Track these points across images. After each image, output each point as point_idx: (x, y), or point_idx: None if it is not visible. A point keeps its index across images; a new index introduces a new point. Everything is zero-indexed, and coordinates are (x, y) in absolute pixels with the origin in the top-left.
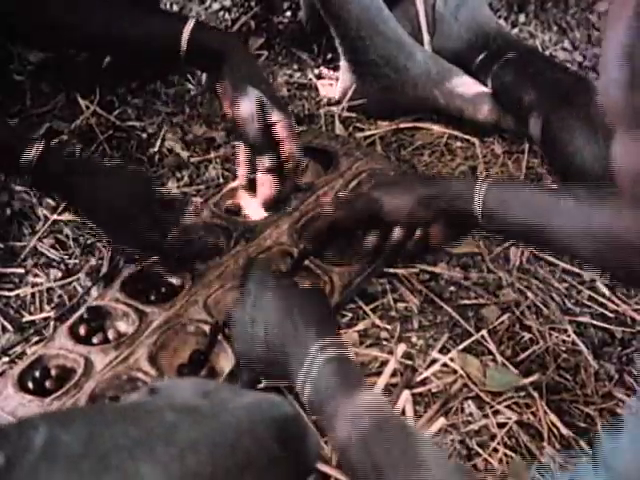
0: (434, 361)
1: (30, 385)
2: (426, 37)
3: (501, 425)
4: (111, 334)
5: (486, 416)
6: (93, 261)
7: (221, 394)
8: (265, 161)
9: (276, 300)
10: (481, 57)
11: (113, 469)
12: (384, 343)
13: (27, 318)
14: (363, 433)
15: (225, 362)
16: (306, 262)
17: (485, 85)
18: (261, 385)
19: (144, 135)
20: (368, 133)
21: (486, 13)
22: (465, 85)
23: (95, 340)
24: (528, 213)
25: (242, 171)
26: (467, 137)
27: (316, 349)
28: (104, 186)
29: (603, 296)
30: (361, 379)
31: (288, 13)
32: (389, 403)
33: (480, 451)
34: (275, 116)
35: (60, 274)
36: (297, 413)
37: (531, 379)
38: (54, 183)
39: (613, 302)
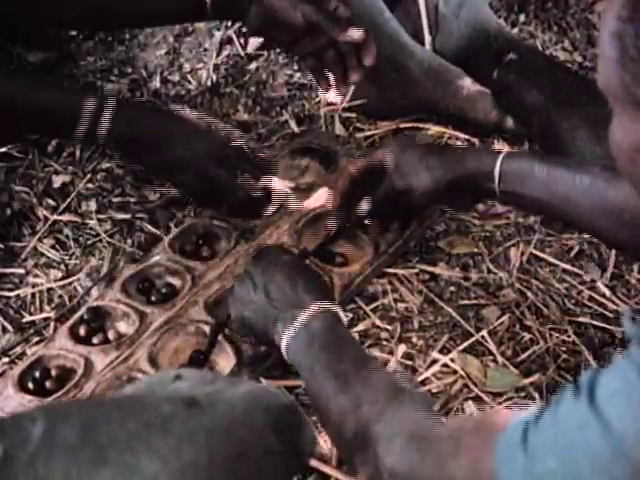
0: (434, 361)
1: (30, 385)
2: (427, 37)
3: None
4: (111, 334)
5: None
6: (93, 261)
7: (218, 385)
8: (354, 34)
9: (281, 268)
10: (482, 57)
11: (111, 461)
12: (384, 343)
13: (27, 318)
14: (343, 377)
15: (225, 363)
16: (307, 262)
17: (486, 85)
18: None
19: None
20: (368, 133)
21: (487, 12)
22: (465, 85)
23: (95, 340)
24: (544, 189)
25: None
26: (467, 137)
27: (314, 309)
28: (184, 143)
29: (603, 296)
30: (350, 337)
31: None
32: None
33: None
34: (332, 4)
35: (60, 274)
36: (293, 404)
37: (531, 379)
38: (126, 143)
39: (613, 302)
